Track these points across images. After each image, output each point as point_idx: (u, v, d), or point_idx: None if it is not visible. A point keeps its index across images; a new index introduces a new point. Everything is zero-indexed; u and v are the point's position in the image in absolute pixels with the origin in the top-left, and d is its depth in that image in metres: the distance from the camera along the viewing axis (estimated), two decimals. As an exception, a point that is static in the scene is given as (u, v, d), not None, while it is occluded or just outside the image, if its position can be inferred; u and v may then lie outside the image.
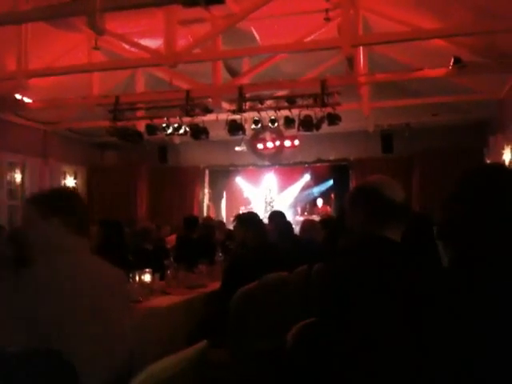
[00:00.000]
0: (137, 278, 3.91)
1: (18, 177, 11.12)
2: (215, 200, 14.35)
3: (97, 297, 1.95)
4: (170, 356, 1.75)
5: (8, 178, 10.87)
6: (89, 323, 1.88)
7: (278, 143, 12.05)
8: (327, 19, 7.92)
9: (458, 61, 7.59)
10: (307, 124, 9.21)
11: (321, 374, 1.84)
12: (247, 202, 14.26)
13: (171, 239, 8.38)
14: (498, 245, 1.41)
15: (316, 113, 9.05)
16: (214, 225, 7.20)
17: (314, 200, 13.99)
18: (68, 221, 2.03)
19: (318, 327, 1.96)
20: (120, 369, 1.94)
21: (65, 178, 12.75)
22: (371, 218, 2.00)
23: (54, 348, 1.71)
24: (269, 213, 6.09)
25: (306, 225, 5.69)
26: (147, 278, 4.01)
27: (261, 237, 4.12)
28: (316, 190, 14.38)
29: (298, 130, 9.44)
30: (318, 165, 13.43)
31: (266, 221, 5.36)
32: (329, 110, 8.80)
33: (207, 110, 9.28)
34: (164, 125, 9.79)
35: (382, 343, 1.67)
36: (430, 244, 2.73)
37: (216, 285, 4.34)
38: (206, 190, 13.88)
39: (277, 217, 5.43)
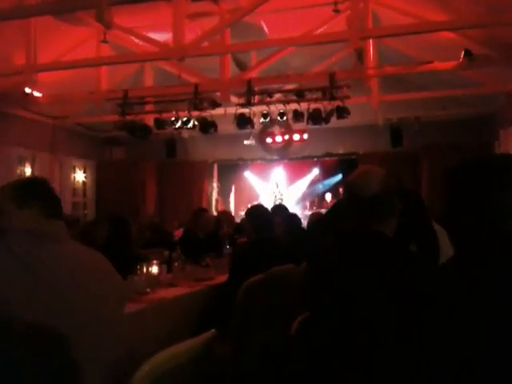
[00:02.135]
0: (144, 270, 3.92)
1: (27, 171, 11.17)
2: (224, 194, 14.35)
3: (81, 281, 1.92)
4: (175, 345, 1.75)
5: (18, 171, 10.93)
6: (75, 309, 1.85)
7: (286, 137, 12.05)
8: (336, 11, 7.88)
9: (468, 53, 7.53)
10: (316, 117, 9.18)
11: (321, 373, 1.84)
12: (256, 197, 14.25)
13: (179, 233, 8.40)
14: (495, 243, 1.39)
15: (325, 106, 9.02)
16: (221, 218, 7.20)
17: (323, 194, 13.95)
18: (43, 207, 2.00)
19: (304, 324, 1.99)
20: (119, 359, 1.92)
21: (74, 172, 12.82)
22: (347, 213, 2.03)
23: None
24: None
25: (314, 218, 5.67)
26: (154, 269, 4.02)
27: (260, 229, 4.08)
28: (325, 184, 14.35)
29: (307, 123, 9.42)
30: (327, 159, 13.41)
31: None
32: (337, 103, 8.76)
33: (215, 104, 9.27)
34: (172, 119, 9.80)
35: (382, 342, 1.66)
36: (426, 224, 2.72)
37: (223, 278, 4.35)
38: (215, 185, 13.88)
39: (280, 210, 5.40)
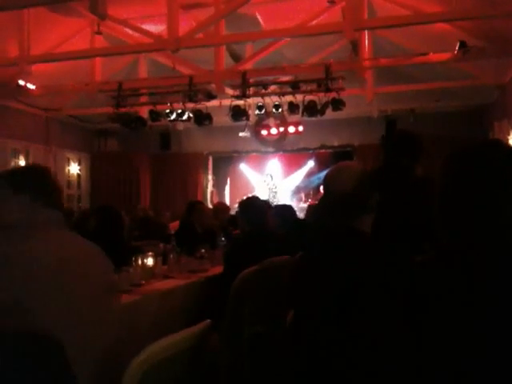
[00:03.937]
0: (139, 262, 3.92)
1: (22, 163, 11.12)
2: (219, 186, 14.35)
3: (68, 272, 1.87)
4: (170, 335, 1.75)
5: (12, 164, 10.88)
6: (61, 299, 1.81)
7: (281, 129, 12.02)
8: (331, 2, 7.85)
9: (463, 45, 7.52)
10: (311, 109, 9.17)
11: (320, 374, 1.84)
12: (251, 189, 14.25)
13: (174, 225, 8.39)
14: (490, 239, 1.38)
15: (320, 98, 9.00)
16: (217, 210, 7.21)
17: (318, 186, 13.95)
18: (39, 196, 1.98)
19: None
20: (110, 351, 1.91)
21: (68, 165, 12.78)
22: (326, 210, 2.05)
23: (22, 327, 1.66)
24: (272, 199, 6.05)
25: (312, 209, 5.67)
26: (150, 261, 4.02)
27: (254, 221, 4.07)
28: (320, 176, 14.33)
29: (302, 115, 9.40)
30: (322, 151, 13.40)
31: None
32: (333, 95, 8.75)
33: (210, 96, 9.25)
34: (167, 111, 9.77)
35: (382, 343, 1.66)
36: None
37: (218, 269, 4.35)
38: (210, 177, 13.87)
39: (281, 209, 5.35)
